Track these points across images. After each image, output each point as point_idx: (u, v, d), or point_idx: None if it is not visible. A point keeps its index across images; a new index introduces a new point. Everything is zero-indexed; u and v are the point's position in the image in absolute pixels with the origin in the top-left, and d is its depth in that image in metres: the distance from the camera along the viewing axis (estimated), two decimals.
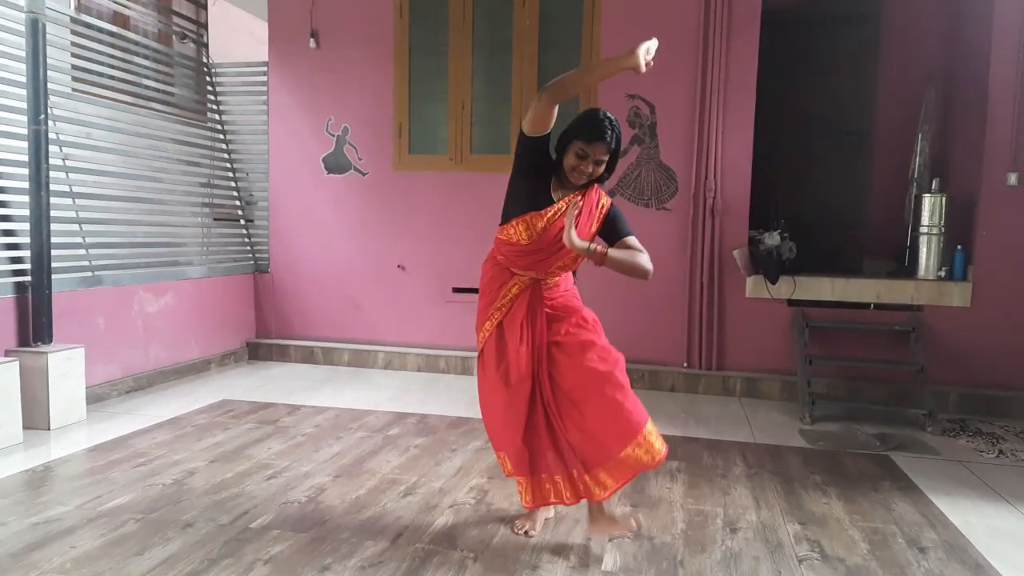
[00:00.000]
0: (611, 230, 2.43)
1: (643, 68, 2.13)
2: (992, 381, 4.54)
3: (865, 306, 4.70)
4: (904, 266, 4.92)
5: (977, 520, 2.82)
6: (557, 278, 2.52)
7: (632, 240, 2.42)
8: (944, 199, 4.63)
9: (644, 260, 2.37)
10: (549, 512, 2.71)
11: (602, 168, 2.38)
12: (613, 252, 2.31)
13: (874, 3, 5.20)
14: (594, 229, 2.43)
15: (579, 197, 2.40)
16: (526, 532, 2.57)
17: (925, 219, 4.66)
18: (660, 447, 2.40)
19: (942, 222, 4.63)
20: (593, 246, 2.26)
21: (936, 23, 5.16)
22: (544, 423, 2.45)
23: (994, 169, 4.48)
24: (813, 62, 5.29)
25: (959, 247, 4.62)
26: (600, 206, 2.44)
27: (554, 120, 2.34)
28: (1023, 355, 4.48)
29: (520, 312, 2.47)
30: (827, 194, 5.34)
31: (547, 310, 2.50)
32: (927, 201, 4.66)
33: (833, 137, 5.28)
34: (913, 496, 3.06)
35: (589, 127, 2.30)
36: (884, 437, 3.94)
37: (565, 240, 2.22)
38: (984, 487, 3.21)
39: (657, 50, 2.18)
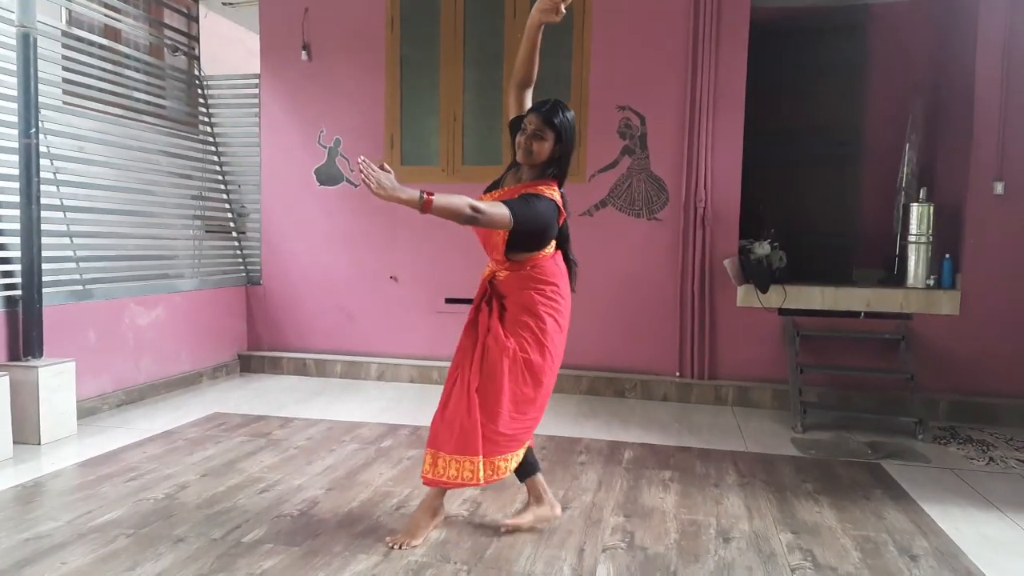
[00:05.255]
0: None
1: (553, 16, 2.33)
2: (982, 389, 4.57)
3: (855, 315, 4.73)
4: (893, 275, 4.95)
5: (968, 528, 2.84)
6: (506, 272, 2.58)
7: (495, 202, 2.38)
8: (932, 208, 4.67)
9: (480, 204, 2.27)
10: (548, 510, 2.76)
11: (545, 145, 2.47)
12: (439, 198, 2.18)
13: (861, 15, 5.26)
14: None
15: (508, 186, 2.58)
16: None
17: (913, 228, 4.70)
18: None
19: (930, 231, 4.67)
20: (415, 193, 2.14)
21: (922, 34, 5.23)
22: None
23: (981, 178, 4.53)
24: (801, 73, 5.34)
25: (947, 255, 4.66)
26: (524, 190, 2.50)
27: (524, 107, 2.59)
28: (1012, 362, 4.52)
29: (477, 299, 2.63)
30: (817, 203, 5.38)
31: (493, 309, 2.59)
32: (915, 210, 4.70)
33: (822, 147, 5.33)
34: (904, 504, 3.07)
35: (530, 107, 2.52)
36: (875, 445, 3.96)
37: (373, 189, 2.08)
38: (975, 495, 3.23)
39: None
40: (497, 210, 2.31)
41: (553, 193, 2.50)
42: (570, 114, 2.51)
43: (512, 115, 2.62)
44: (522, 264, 2.55)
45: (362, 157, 2.13)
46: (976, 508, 3.06)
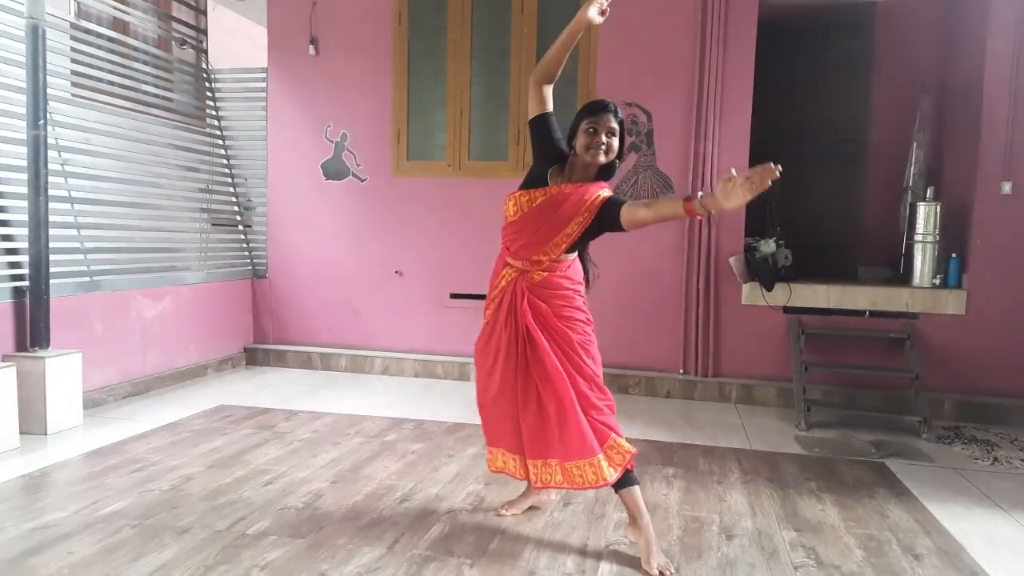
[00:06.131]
0: (608, 212, 2.37)
1: (598, 18, 2.27)
2: (987, 388, 4.56)
3: (860, 313, 4.72)
4: (899, 274, 4.94)
5: (972, 527, 2.84)
6: (544, 273, 2.51)
7: (634, 202, 2.34)
8: (939, 207, 4.66)
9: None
10: (544, 496, 2.89)
11: (616, 141, 2.41)
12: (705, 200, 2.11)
13: (868, 13, 5.24)
14: (578, 225, 2.41)
15: (571, 188, 2.42)
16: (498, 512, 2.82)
17: (920, 227, 4.69)
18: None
19: (936, 230, 4.66)
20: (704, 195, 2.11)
21: (930, 32, 5.21)
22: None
23: (988, 178, 4.51)
24: (808, 71, 5.32)
25: (953, 255, 4.65)
26: (594, 197, 2.39)
27: (548, 103, 2.47)
28: (1017, 363, 4.51)
29: (506, 303, 2.56)
30: (822, 202, 5.36)
31: (535, 308, 2.52)
32: (922, 209, 4.69)
33: (828, 145, 5.31)
34: (908, 503, 3.07)
35: (590, 105, 2.45)
36: (879, 444, 3.96)
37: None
38: (979, 494, 3.22)
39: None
40: None
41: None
42: None
43: (535, 111, 2.48)
44: (562, 264, 2.52)
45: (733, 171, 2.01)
46: (980, 508, 3.06)
